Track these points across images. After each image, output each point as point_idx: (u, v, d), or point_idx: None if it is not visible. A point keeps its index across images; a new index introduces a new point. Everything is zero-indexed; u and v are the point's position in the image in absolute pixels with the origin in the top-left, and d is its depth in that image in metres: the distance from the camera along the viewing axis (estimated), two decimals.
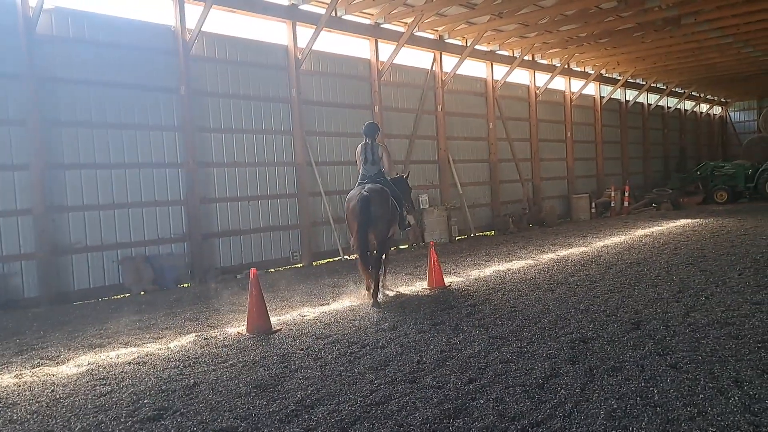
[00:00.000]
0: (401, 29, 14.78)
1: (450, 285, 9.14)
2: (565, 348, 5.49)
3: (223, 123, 11.70)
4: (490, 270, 10.59)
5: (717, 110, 34.85)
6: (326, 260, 13.24)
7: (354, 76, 14.20)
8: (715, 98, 33.32)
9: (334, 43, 14.10)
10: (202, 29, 10.96)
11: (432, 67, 16.23)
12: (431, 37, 16.02)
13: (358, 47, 14.50)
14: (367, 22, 14.21)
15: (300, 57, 12.64)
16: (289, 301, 8.75)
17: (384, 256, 8.65)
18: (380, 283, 8.46)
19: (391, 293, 8.84)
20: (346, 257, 13.21)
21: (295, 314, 7.80)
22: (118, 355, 6.23)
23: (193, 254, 11.04)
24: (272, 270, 12.19)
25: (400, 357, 5.58)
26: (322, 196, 13.15)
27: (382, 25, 14.40)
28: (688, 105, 31.54)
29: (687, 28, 16.82)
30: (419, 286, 9.22)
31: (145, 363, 5.88)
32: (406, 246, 14.89)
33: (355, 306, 8.06)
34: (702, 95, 31.56)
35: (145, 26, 10.73)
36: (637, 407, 4.03)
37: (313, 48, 12.74)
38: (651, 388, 4.35)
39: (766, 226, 14.76)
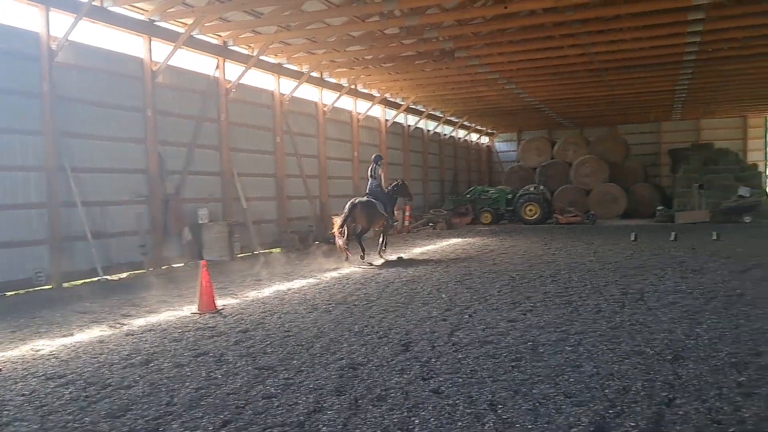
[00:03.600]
0: (180, 30, 13.68)
1: (223, 308, 8.46)
2: (333, 376, 5.20)
3: None
4: (269, 290, 10.09)
5: (485, 140, 38.79)
6: (81, 281, 11.52)
7: (124, 75, 12.70)
8: (484, 129, 37.04)
9: (103, 36, 12.48)
10: None
11: (215, 74, 15.33)
12: (214, 42, 15.13)
13: (130, 44, 13.06)
14: (140, 17, 12.87)
15: (55, 48, 10.92)
16: (21, 332, 7.32)
17: (381, 237, 14.23)
18: (365, 250, 13.44)
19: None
20: (106, 277, 11.64)
21: (26, 349, 6.51)
22: None
23: None
24: (9, 293, 10.22)
25: (146, 399, 4.79)
26: (79, 207, 11.43)
27: (157, 23, 13.14)
28: (462, 133, 34.57)
29: (461, 61, 18.29)
30: (187, 311, 8.37)
31: None
32: (182, 264, 13.71)
33: (105, 336, 6.97)
34: (473, 125, 34.84)
35: None
36: None
37: (71, 39, 11.12)
38: (413, 418, 4.20)
39: (521, 245, 16.47)
